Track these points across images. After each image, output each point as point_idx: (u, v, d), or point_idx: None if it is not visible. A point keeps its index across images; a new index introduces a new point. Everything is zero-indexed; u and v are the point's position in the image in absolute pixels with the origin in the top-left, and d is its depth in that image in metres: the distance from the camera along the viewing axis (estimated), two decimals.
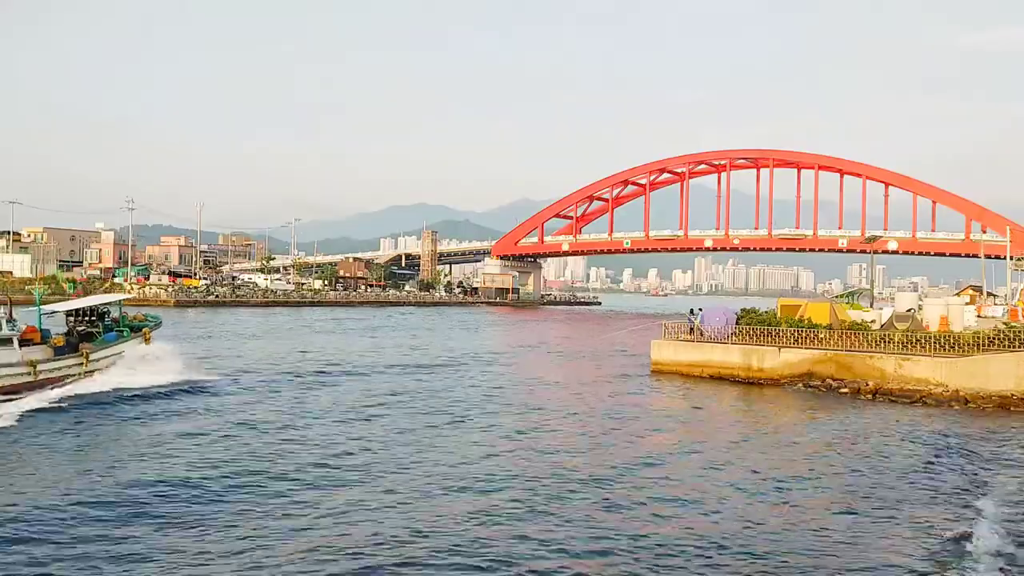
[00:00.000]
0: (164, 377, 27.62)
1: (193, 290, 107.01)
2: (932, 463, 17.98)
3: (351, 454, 17.78)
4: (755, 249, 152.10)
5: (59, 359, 26.12)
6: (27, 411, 21.36)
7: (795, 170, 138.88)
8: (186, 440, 18.81)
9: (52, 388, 24.68)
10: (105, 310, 30.56)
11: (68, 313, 29.27)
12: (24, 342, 24.92)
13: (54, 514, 12.85)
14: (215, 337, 50.82)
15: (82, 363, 26.85)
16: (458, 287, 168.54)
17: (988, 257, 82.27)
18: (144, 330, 31.11)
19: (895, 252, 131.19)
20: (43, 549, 11.38)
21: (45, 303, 28.29)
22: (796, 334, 31.57)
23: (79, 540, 11.77)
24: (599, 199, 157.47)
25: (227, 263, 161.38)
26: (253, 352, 41.34)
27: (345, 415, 22.98)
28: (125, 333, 30.03)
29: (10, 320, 24.71)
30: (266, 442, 18.81)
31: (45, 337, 26.32)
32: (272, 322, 70.60)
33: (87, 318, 29.64)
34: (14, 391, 23.47)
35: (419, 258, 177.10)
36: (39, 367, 24.98)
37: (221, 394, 26.34)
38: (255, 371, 32.75)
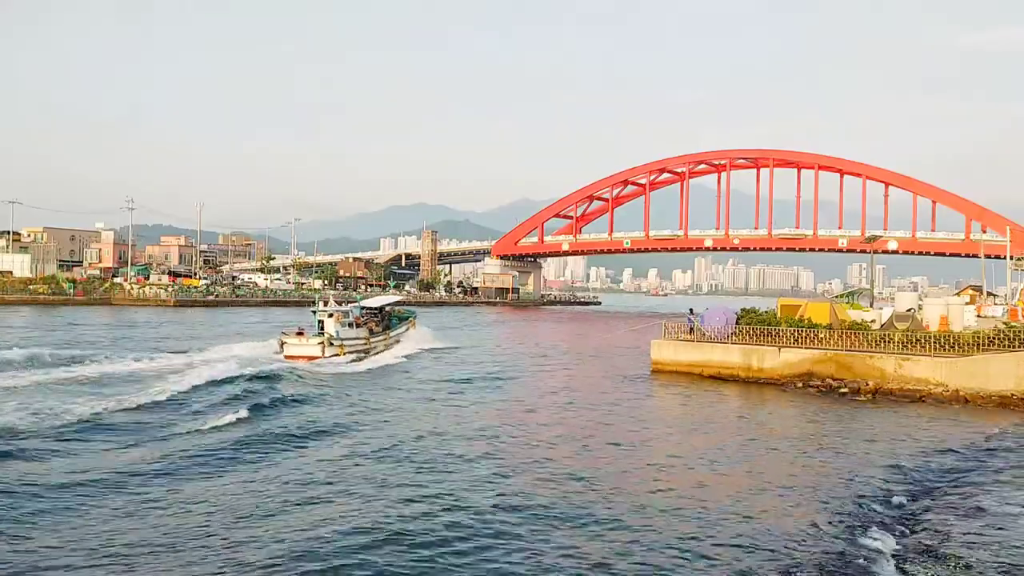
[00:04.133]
0: (431, 345, 45.83)
1: (193, 290, 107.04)
2: (932, 463, 18.01)
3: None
4: (755, 249, 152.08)
5: (375, 336, 41.34)
6: (375, 366, 35.56)
7: (795, 170, 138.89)
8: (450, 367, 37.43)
9: (376, 354, 39.48)
10: (382, 305, 47.01)
11: (363, 308, 43.97)
12: (356, 326, 39.74)
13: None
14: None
15: (386, 339, 42.93)
16: (458, 287, 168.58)
17: (988, 257, 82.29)
18: (410, 319, 49.30)
19: (895, 252, 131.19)
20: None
21: (325, 302, 41.83)
22: (796, 334, 31.57)
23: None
24: (599, 199, 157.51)
25: (227, 263, 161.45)
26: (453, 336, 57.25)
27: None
28: (395, 322, 47.11)
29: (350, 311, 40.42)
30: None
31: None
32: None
33: (374, 311, 45.09)
34: (357, 354, 37.61)
35: (419, 258, 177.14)
36: (370, 340, 39.96)
37: (463, 354, 43.94)
38: (465, 346, 49.92)
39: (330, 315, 37.82)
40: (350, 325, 38.85)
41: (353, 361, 36.09)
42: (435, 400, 26.30)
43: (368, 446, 18.39)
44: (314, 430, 20.16)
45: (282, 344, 36.36)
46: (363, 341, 39.20)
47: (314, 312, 39.31)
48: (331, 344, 36.16)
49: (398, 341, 44.48)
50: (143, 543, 11.48)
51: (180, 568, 10.61)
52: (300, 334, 36.80)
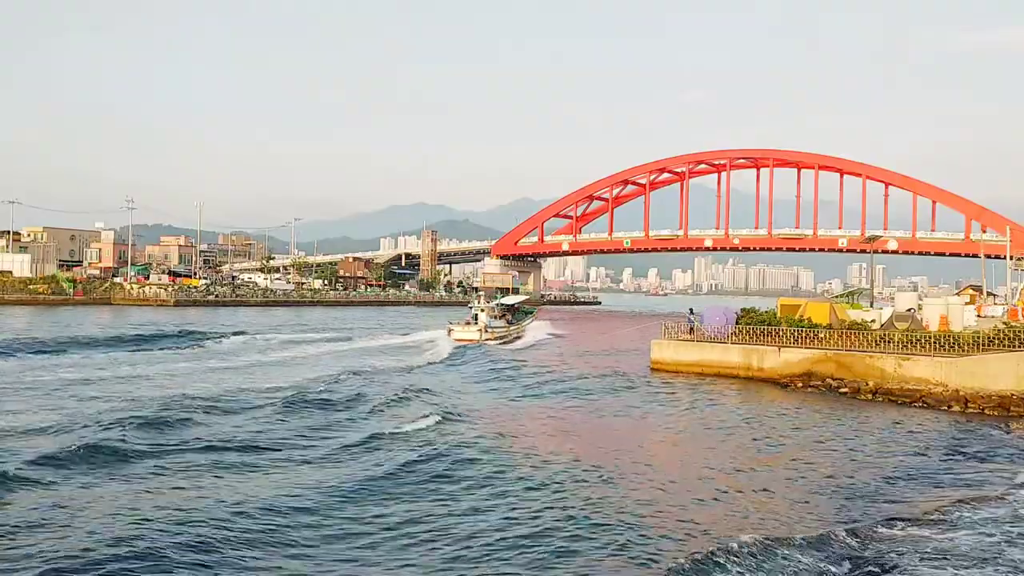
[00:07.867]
0: (552, 331, 60.60)
1: (193, 290, 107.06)
2: (931, 463, 18.01)
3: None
4: (755, 249, 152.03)
5: (511, 326, 55.52)
6: (517, 347, 48.49)
7: (795, 170, 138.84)
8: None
9: (513, 338, 52.73)
10: (513, 303, 62.63)
11: (499, 304, 57.70)
12: (498, 318, 54.57)
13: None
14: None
15: (519, 328, 57.02)
16: (458, 287, 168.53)
17: (988, 257, 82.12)
18: (533, 313, 68.58)
19: (895, 252, 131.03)
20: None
21: (478, 300, 56.25)
22: (796, 334, 31.58)
23: None
24: (599, 199, 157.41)
25: (227, 263, 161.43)
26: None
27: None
28: (521, 315, 62.23)
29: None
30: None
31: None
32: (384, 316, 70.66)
33: (509, 307, 59.30)
34: (500, 338, 50.95)
35: (419, 258, 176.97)
36: (508, 329, 54.03)
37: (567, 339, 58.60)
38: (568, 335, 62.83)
39: (482, 310, 51.81)
40: (496, 317, 52.89)
41: (498, 345, 48.55)
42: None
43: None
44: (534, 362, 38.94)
45: (449, 331, 49.60)
46: (503, 329, 53.19)
47: (470, 308, 54.63)
48: (486, 331, 49.40)
49: (525, 330, 58.57)
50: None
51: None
52: (467, 324, 50.45)
